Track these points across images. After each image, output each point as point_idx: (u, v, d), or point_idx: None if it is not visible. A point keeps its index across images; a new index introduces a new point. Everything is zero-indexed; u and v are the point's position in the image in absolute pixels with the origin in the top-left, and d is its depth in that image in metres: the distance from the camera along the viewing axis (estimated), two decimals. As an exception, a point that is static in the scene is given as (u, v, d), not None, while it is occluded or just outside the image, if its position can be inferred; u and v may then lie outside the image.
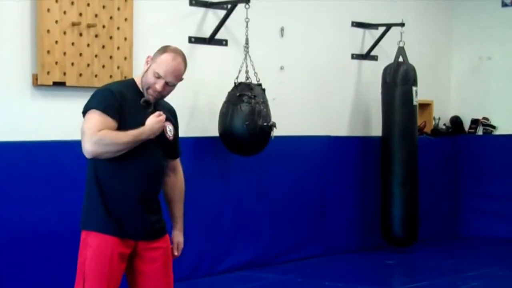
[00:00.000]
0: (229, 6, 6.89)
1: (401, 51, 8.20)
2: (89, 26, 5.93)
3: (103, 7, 6.03)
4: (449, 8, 9.57)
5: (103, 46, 6.04)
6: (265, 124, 6.65)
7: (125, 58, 6.17)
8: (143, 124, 3.64)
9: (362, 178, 8.34)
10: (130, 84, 3.75)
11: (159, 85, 3.66)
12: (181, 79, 3.75)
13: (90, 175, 3.67)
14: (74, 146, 5.52)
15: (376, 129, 8.44)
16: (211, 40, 6.95)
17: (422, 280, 7.09)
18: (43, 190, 5.75)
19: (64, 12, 5.80)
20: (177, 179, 3.92)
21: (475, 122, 9.51)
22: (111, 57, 6.09)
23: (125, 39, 6.17)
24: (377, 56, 8.53)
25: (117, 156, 3.58)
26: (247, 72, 6.80)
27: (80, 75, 5.91)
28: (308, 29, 7.85)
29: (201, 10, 6.88)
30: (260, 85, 6.81)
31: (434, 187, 9.10)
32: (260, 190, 7.35)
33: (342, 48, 8.24)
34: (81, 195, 3.73)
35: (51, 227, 5.76)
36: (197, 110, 6.88)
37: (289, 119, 7.49)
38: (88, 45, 5.95)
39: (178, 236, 3.92)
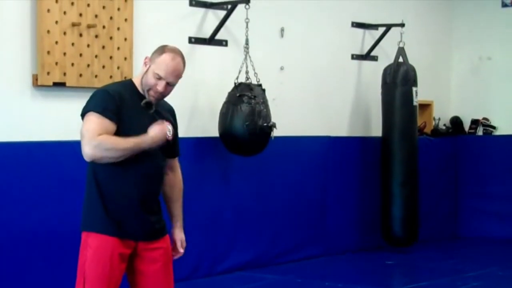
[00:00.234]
0: (229, 6, 6.89)
1: (401, 51, 8.20)
2: (89, 26, 5.94)
3: (103, 7, 6.04)
4: (449, 9, 9.57)
5: (103, 47, 6.05)
6: (265, 124, 6.65)
7: (125, 59, 6.17)
8: (143, 125, 3.64)
9: (362, 178, 8.34)
10: (128, 85, 3.74)
11: (160, 86, 3.66)
12: (180, 77, 3.76)
13: (90, 176, 3.67)
14: (74, 146, 5.52)
15: (376, 130, 8.44)
16: (211, 40, 6.95)
17: (422, 281, 7.09)
18: (43, 191, 5.75)
19: (64, 13, 5.80)
20: (175, 178, 3.92)
21: (475, 123, 9.51)
22: (111, 57, 6.09)
23: (125, 39, 6.18)
24: (377, 57, 8.54)
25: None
26: (247, 72, 6.80)
27: (80, 75, 5.91)
28: (308, 29, 7.86)
29: (201, 10, 6.89)
30: (260, 85, 6.82)
31: (434, 187, 9.10)
32: (260, 190, 7.35)
33: (342, 48, 8.24)
34: (81, 196, 3.73)
35: (51, 227, 5.76)
36: (197, 111, 6.88)
37: (289, 119, 7.49)
38: (88, 45, 5.95)
39: (180, 234, 3.92)
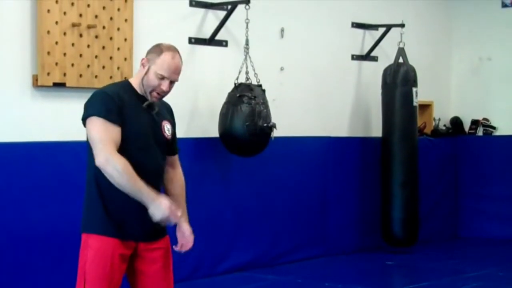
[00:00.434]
0: (229, 7, 6.89)
1: (401, 52, 8.20)
2: (89, 27, 5.94)
3: (103, 8, 6.04)
4: (449, 9, 9.57)
5: (103, 47, 6.05)
6: (265, 125, 6.65)
7: (125, 59, 6.17)
8: (143, 126, 3.65)
9: (362, 178, 8.34)
10: (126, 86, 3.73)
11: (165, 86, 3.68)
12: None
13: (90, 177, 3.66)
14: (74, 147, 5.57)
15: (376, 130, 8.44)
16: (211, 41, 6.95)
17: (423, 281, 7.09)
18: (43, 191, 5.75)
19: (64, 13, 5.80)
20: (176, 174, 3.91)
21: (475, 123, 9.51)
22: (111, 58, 6.09)
23: (125, 40, 6.18)
24: (377, 57, 8.54)
25: (117, 149, 3.56)
26: (247, 73, 6.80)
27: (80, 76, 5.91)
28: (308, 30, 7.86)
29: (201, 11, 6.89)
30: (260, 86, 6.82)
31: (434, 187, 9.10)
32: (260, 191, 7.35)
33: (342, 49, 8.24)
34: (81, 196, 3.73)
35: (51, 227, 5.76)
36: (197, 111, 6.88)
37: (289, 120, 7.49)
38: (88, 46, 5.95)
39: (186, 226, 3.85)
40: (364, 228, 8.36)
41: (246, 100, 6.63)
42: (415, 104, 8.17)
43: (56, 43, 5.76)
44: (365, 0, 8.40)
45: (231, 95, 6.73)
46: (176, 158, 3.93)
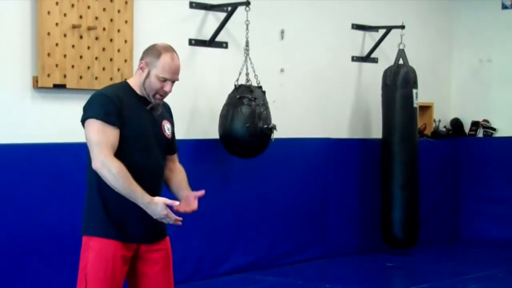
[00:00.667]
0: (229, 8, 6.89)
1: (401, 53, 8.20)
2: (89, 28, 5.94)
3: (104, 9, 6.04)
4: (449, 11, 9.57)
5: (104, 49, 6.05)
6: (265, 126, 6.65)
7: (125, 61, 6.17)
8: (143, 126, 3.66)
9: (363, 180, 8.34)
10: (125, 87, 3.73)
11: (168, 87, 3.69)
12: None
13: (91, 180, 3.66)
14: (75, 148, 5.56)
15: (376, 132, 8.44)
16: (212, 42, 6.95)
17: (423, 283, 7.09)
18: (44, 193, 5.75)
19: (65, 15, 5.80)
20: (175, 167, 3.89)
21: (475, 125, 9.51)
22: (111, 59, 6.09)
23: (126, 41, 6.18)
24: (377, 59, 8.54)
25: (115, 152, 3.57)
26: (247, 74, 6.80)
27: (81, 77, 5.91)
28: (308, 31, 7.86)
29: (201, 12, 6.89)
30: (260, 87, 6.82)
31: (435, 189, 9.10)
32: (261, 192, 7.34)
33: (342, 50, 8.24)
34: (82, 198, 3.73)
35: (52, 229, 5.76)
36: (198, 113, 6.88)
37: (290, 121, 7.49)
38: (88, 47, 5.96)
39: (190, 191, 3.81)
40: (364, 230, 8.36)
41: (246, 102, 6.63)
42: (415, 105, 8.17)
43: (57, 44, 5.76)
44: (365, 2, 8.40)
45: (231, 97, 6.73)
46: (175, 156, 3.93)
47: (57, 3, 5.75)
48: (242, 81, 6.79)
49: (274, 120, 6.77)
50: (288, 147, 7.54)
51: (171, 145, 3.85)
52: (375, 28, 8.48)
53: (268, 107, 6.79)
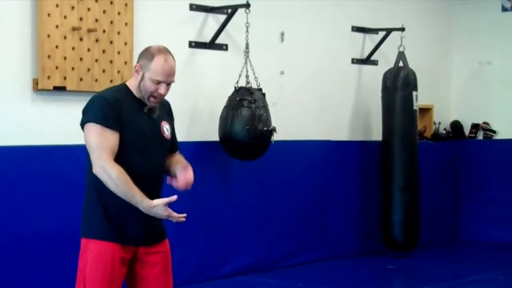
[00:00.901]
0: (229, 10, 6.89)
1: (401, 55, 8.20)
2: (89, 30, 5.94)
3: (104, 12, 6.04)
4: (449, 13, 9.58)
5: (104, 51, 6.05)
6: (265, 128, 6.65)
7: (125, 63, 6.17)
8: (142, 129, 3.65)
9: (363, 182, 8.34)
10: (123, 89, 3.73)
11: (163, 90, 3.67)
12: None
13: (89, 182, 3.66)
14: (75, 150, 5.57)
15: (376, 134, 8.44)
16: (212, 44, 6.95)
17: (423, 285, 7.09)
18: (43, 195, 5.75)
19: (65, 17, 5.81)
20: (175, 153, 3.88)
21: (475, 127, 9.51)
22: (111, 61, 6.09)
23: (126, 43, 6.18)
24: (377, 61, 8.54)
25: (115, 156, 3.57)
26: (247, 76, 6.80)
27: (81, 79, 5.92)
28: (308, 33, 7.86)
29: (201, 14, 6.89)
30: (260, 89, 6.82)
31: (435, 191, 9.09)
32: (261, 195, 7.34)
33: (342, 52, 8.25)
34: (81, 200, 3.73)
35: (52, 231, 5.76)
36: (197, 115, 6.88)
37: (290, 123, 7.49)
38: (88, 49, 5.96)
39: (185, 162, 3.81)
40: (364, 232, 8.35)
41: (246, 104, 6.63)
42: (415, 108, 8.17)
43: (57, 46, 5.76)
44: (365, 4, 8.40)
45: (231, 99, 6.73)
46: (177, 153, 3.91)
47: (57, 5, 5.75)
48: (242, 83, 6.79)
49: (274, 122, 6.77)
50: (288, 149, 7.54)
51: (171, 145, 3.85)
52: (375, 31, 8.48)
53: (268, 109, 6.79)
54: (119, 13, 6.13)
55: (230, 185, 7.10)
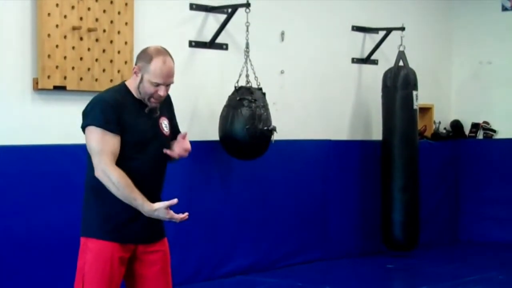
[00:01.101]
0: (229, 10, 6.89)
1: (401, 55, 8.20)
2: (89, 30, 5.94)
3: (104, 11, 6.04)
4: (449, 12, 9.57)
5: (104, 50, 6.05)
6: (265, 128, 6.64)
7: (126, 62, 6.17)
8: (143, 129, 3.65)
9: (363, 182, 8.33)
10: (123, 90, 3.72)
11: (162, 92, 3.66)
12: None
13: (89, 181, 3.67)
14: (75, 150, 5.57)
15: (376, 133, 8.44)
16: (212, 44, 6.95)
17: (423, 285, 7.09)
18: (44, 194, 5.75)
19: (65, 17, 5.80)
20: None
21: (475, 126, 9.51)
22: (111, 61, 6.09)
23: (126, 43, 6.18)
24: (377, 60, 8.54)
25: (116, 160, 3.57)
26: (247, 76, 6.80)
27: (81, 79, 5.91)
28: (309, 33, 7.86)
29: (201, 14, 6.89)
30: (260, 89, 6.82)
31: (435, 191, 9.09)
32: (261, 194, 7.34)
33: (342, 52, 8.24)
34: (82, 199, 3.73)
35: (52, 231, 5.76)
36: (198, 114, 6.88)
37: (290, 123, 7.49)
38: (88, 49, 5.96)
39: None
40: (364, 232, 8.35)
41: (246, 103, 6.63)
42: (415, 107, 8.17)
43: (57, 46, 5.76)
44: (365, 4, 8.40)
45: (231, 98, 6.73)
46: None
47: (57, 5, 5.75)
48: (242, 82, 6.79)
49: (274, 122, 6.76)
50: (288, 149, 7.53)
51: (173, 134, 3.82)
52: (375, 30, 8.48)
53: (268, 108, 6.79)
54: (119, 13, 6.13)
55: (230, 184, 7.10)
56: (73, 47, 5.86)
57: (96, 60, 6.00)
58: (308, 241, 7.80)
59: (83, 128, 3.63)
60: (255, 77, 6.80)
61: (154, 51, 3.67)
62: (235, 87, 6.78)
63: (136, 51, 6.13)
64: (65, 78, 5.82)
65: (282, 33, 7.59)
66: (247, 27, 6.82)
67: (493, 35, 9.40)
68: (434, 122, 9.35)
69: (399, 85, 8.09)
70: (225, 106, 6.74)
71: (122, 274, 3.68)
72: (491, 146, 9.38)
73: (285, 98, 7.57)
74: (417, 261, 8.13)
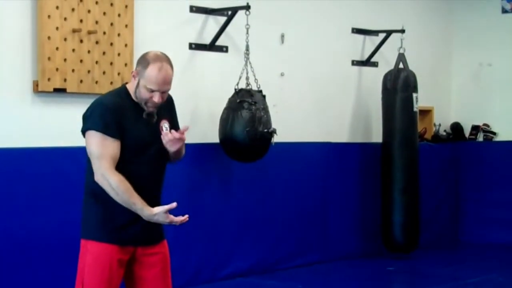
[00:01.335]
0: (229, 12, 6.89)
1: (401, 57, 8.20)
2: (89, 32, 5.94)
3: (104, 13, 6.04)
4: (449, 14, 9.58)
5: (104, 53, 6.05)
6: (265, 130, 6.65)
7: (126, 65, 6.18)
8: (142, 132, 3.66)
9: (363, 184, 8.33)
10: (123, 93, 3.73)
11: (156, 98, 3.66)
12: (172, 81, 3.73)
13: (88, 184, 3.67)
14: (75, 152, 5.57)
15: (376, 136, 8.44)
16: (212, 46, 6.95)
17: (423, 287, 7.09)
18: (43, 196, 5.75)
19: (65, 19, 5.81)
20: None
21: (475, 129, 9.51)
22: (111, 63, 6.09)
23: (126, 45, 6.18)
24: (377, 63, 8.54)
25: (116, 163, 3.58)
26: (247, 78, 6.80)
27: (81, 81, 5.92)
28: (309, 35, 7.86)
29: (201, 16, 6.89)
30: (260, 91, 6.82)
31: (435, 193, 9.09)
32: (261, 197, 7.34)
33: (342, 54, 8.25)
34: (81, 201, 3.74)
35: (52, 233, 5.76)
36: (198, 117, 6.88)
37: (290, 125, 7.49)
38: (88, 51, 5.96)
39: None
40: (364, 234, 8.35)
41: (246, 106, 6.63)
42: (415, 109, 8.17)
43: (57, 48, 5.77)
44: (365, 6, 8.41)
45: (231, 101, 6.74)
46: None
47: (57, 7, 5.76)
48: (242, 85, 6.79)
49: (274, 124, 6.77)
50: (288, 151, 7.53)
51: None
52: (375, 32, 8.48)
53: (268, 111, 6.79)
54: (119, 15, 6.14)
55: (230, 187, 7.10)
56: (73, 50, 5.87)
57: (96, 62, 6.01)
58: (308, 243, 7.80)
59: (83, 132, 3.64)
60: (255, 79, 6.81)
61: (152, 57, 3.67)
62: (235, 89, 6.78)
63: (136, 53, 6.15)
64: (65, 80, 5.83)
65: (282, 36, 7.60)
66: (247, 29, 6.83)
67: (493, 37, 9.41)
68: (434, 125, 9.36)
69: (399, 87, 8.09)
70: (225, 109, 6.74)
71: (121, 276, 3.69)
72: (491, 148, 9.39)
73: (285, 100, 7.57)
74: (418, 263, 8.13)
